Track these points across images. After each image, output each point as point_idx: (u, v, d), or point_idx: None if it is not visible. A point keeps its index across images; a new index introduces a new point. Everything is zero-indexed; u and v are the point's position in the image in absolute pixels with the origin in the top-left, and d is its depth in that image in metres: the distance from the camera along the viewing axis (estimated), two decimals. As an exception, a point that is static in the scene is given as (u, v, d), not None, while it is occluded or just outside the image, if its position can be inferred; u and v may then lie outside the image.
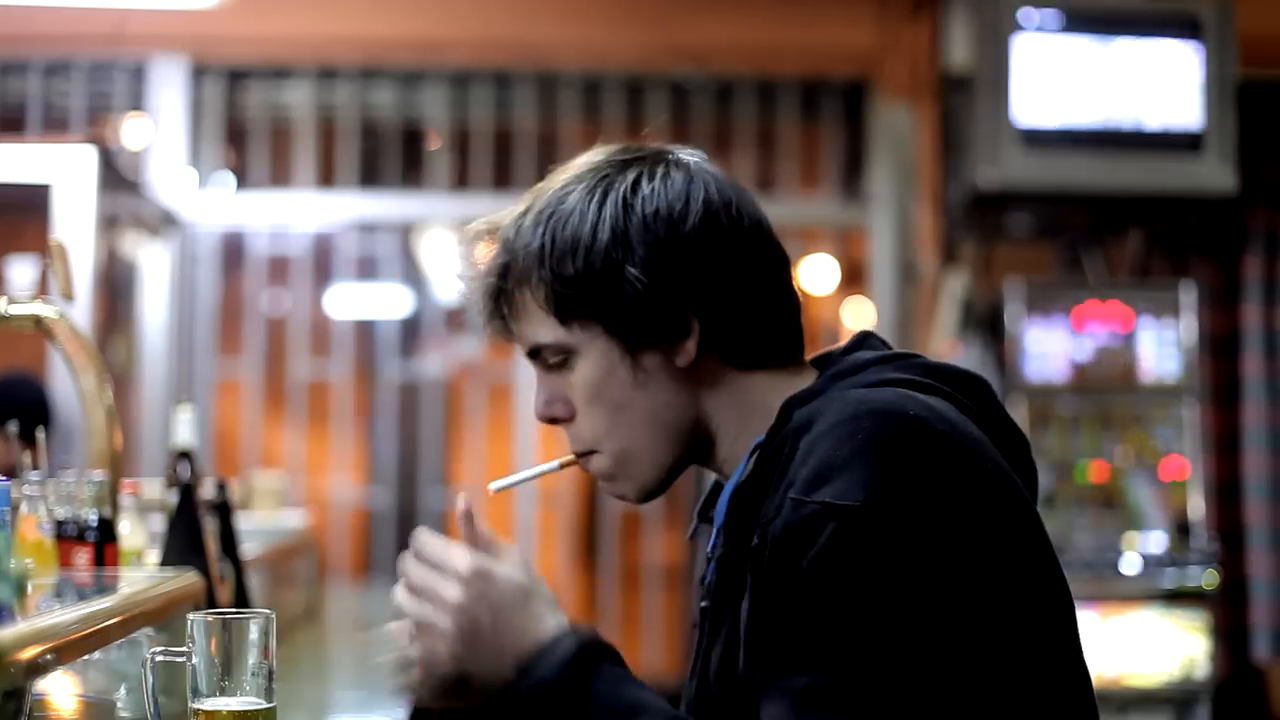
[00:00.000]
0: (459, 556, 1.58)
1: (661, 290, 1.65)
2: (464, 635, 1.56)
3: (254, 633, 1.65)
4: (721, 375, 1.70)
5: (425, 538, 1.60)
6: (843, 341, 1.78)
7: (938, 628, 1.48)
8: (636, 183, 1.68)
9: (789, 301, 1.73)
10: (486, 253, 1.74)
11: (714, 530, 1.72)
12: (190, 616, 1.65)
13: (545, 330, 1.70)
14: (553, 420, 1.75)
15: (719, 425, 1.72)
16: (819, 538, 1.49)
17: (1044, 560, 1.60)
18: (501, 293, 1.72)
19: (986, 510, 1.54)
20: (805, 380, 1.69)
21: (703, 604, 1.75)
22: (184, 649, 1.64)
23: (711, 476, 1.82)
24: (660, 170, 1.69)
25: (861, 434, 1.53)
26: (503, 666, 1.56)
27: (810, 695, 1.47)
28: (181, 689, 1.67)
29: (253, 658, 1.66)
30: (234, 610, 1.70)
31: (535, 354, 1.73)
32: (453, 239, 6.74)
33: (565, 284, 1.67)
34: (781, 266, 1.73)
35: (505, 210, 1.74)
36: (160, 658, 1.66)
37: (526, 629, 1.57)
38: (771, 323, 1.72)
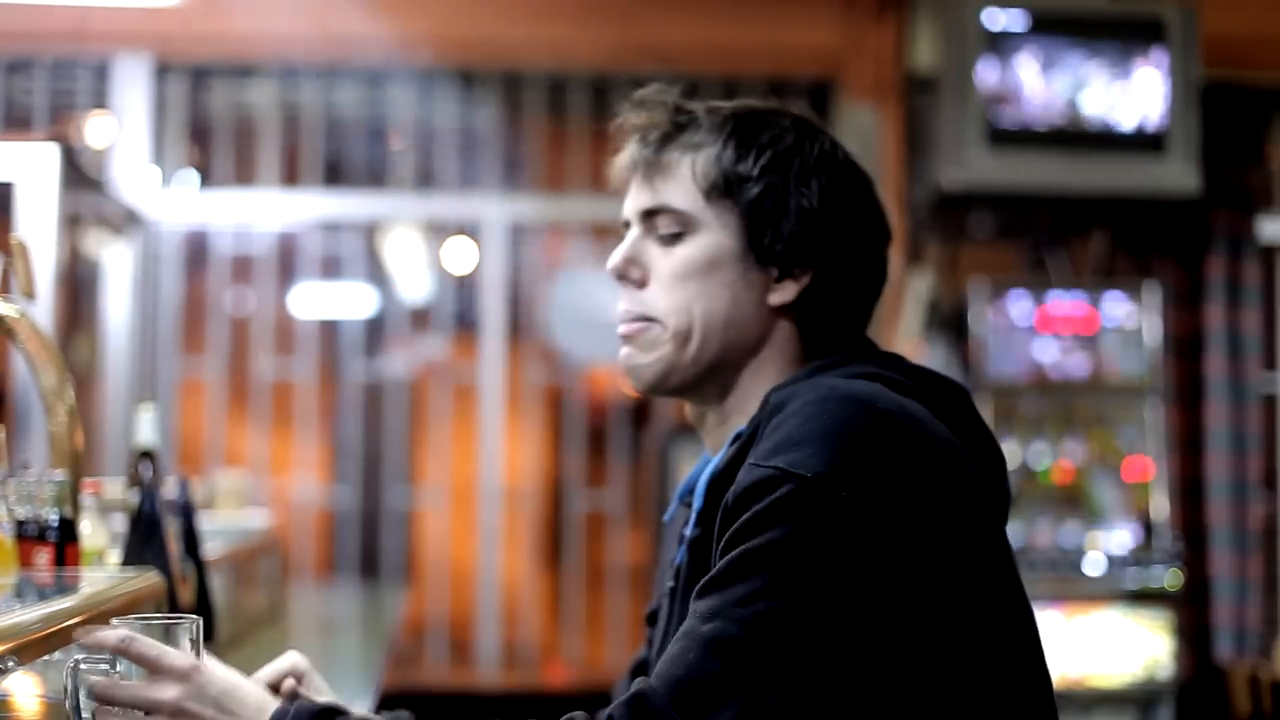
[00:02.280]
0: (173, 655, 1.55)
1: (820, 224, 1.73)
2: None
3: (182, 639, 1.60)
4: (787, 336, 1.76)
5: (127, 637, 1.56)
6: None
7: (860, 613, 1.48)
8: (836, 144, 1.80)
9: (872, 311, 1.82)
10: (665, 110, 1.81)
11: (692, 514, 1.73)
12: (114, 621, 1.61)
13: (683, 196, 1.76)
14: (622, 278, 1.79)
15: (748, 381, 1.76)
16: (768, 496, 1.50)
17: (997, 568, 1.60)
18: (665, 141, 1.78)
19: (940, 510, 1.55)
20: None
21: (670, 584, 1.76)
22: (107, 655, 1.59)
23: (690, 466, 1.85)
24: (851, 157, 1.81)
25: (828, 415, 1.55)
26: None
27: (715, 642, 1.47)
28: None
29: None
30: (161, 615, 1.64)
31: (650, 215, 1.78)
32: (418, 238, 6.73)
33: (738, 168, 1.74)
34: (881, 283, 1.82)
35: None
36: (84, 665, 1.60)
37: (251, 713, 1.57)
38: (857, 320, 1.79)
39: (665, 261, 1.76)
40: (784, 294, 1.74)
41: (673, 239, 1.76)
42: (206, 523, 4.27)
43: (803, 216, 1.72)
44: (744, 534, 1.51)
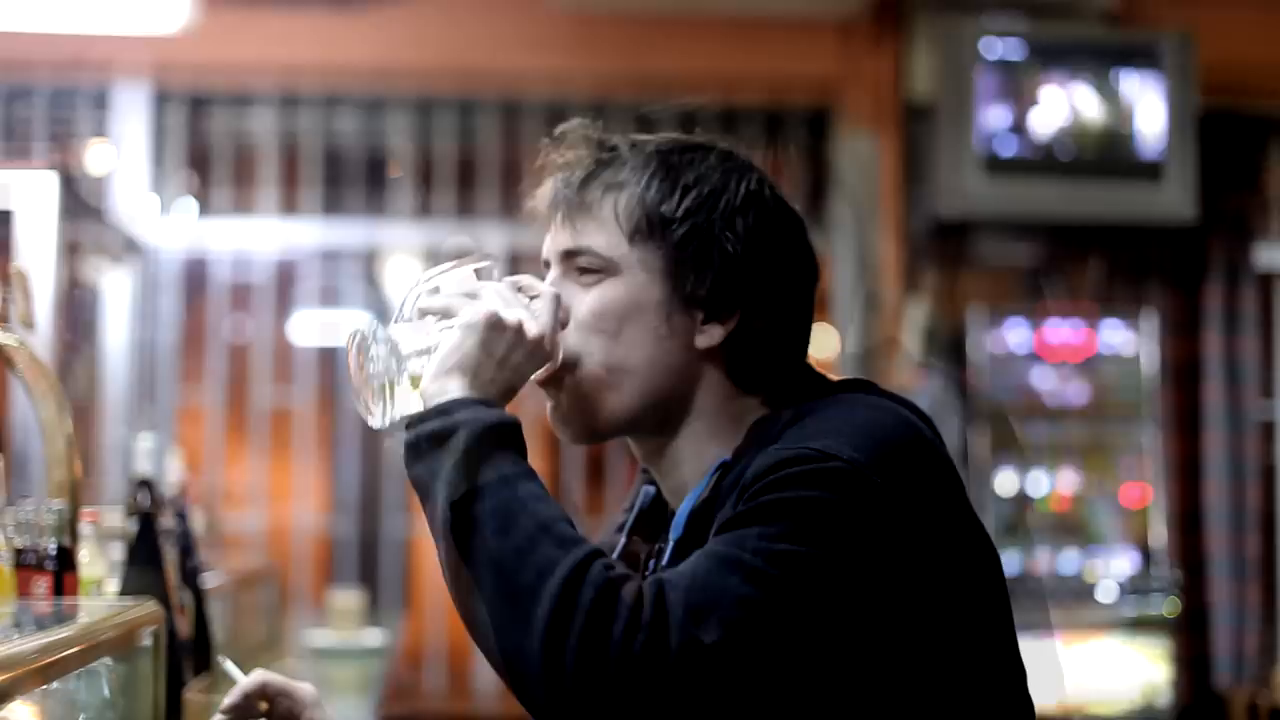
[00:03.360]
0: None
1: (746, 267, 1.68)
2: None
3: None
4: (717, 378, 1.71)
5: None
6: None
7: (868, 595, 1.48)
8: (763, 180, 1.74)
9: (805, 348, 1.76)
10: (588, 146, 1.77)
11: (669, 547, 1.69)
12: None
13: (605, 238, 1.70)
14: None
15: (691, 422, 1.72)
16: (801, 466, 1.50)
17: (995, 590, 1.63)
18: (588, 179, 1.73)
19: (956, 521, 1.58)
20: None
21: None
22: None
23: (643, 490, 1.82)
24: (779, 193, 1.75)
25: (860, 419, 1.57)
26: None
27: (735, 563, 1.47)
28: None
29: None
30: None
31: (570, 256, 1.73)
32: (416, 266, 6.73)
33: (661, 209, 1.69)
34: (810, 321, 1.77)
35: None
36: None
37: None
38: (787, 358, 1.74)
39: (585, 305, 1.70)
40: (710, 337, 1.69)
41: (593, 281, 1.70)
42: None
43: (727, 260, 1.67)
44: (775, 488, 1.50)
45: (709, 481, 1.66)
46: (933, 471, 1.57)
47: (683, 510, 1.68)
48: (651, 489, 1.81)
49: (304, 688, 1.81)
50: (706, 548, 1.51)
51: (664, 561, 1.69)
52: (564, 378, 1.72)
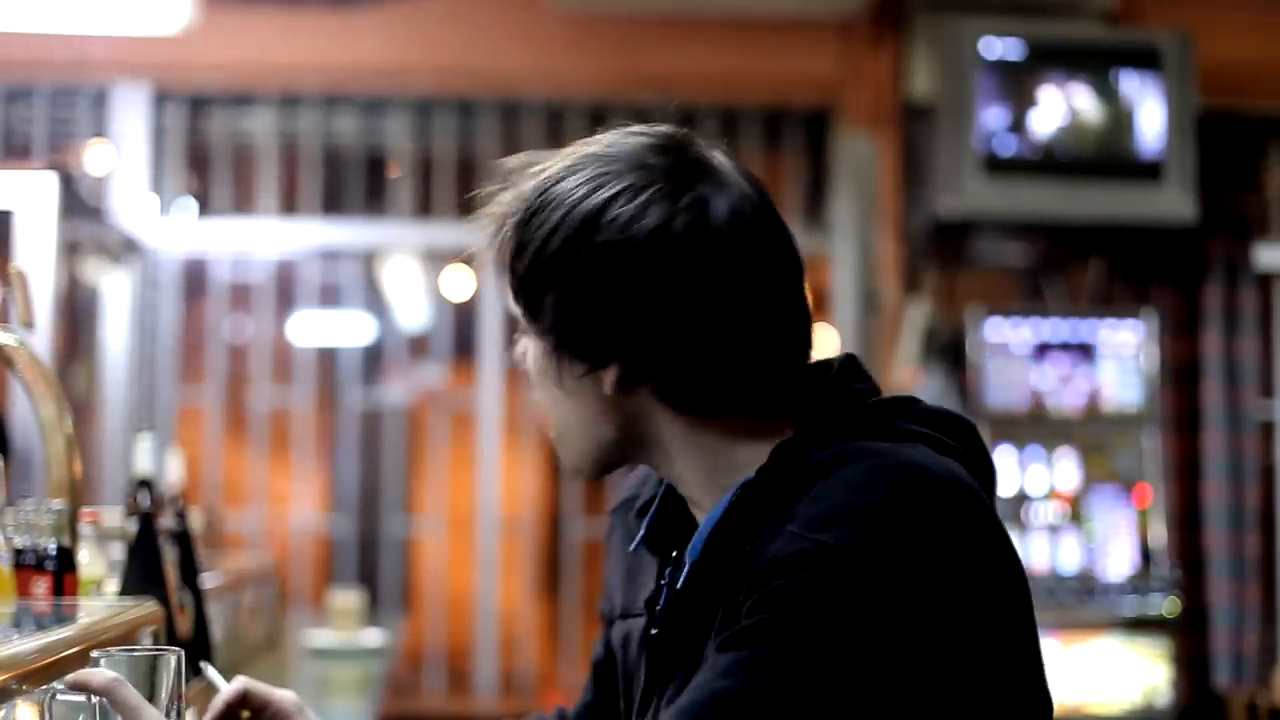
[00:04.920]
0: (150, 715, 1.51)
1: (579, 322, 1.60)
2: None
3: (163, 672, 1.56)
4: (665, 413, 1.62)
5: (115, 680, 1.52)
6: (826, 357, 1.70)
7: (875, 703, 1.43)
8: (612, 200, 1.59)
9: (761, 353, 1.60)
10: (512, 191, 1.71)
11: (686, 566, 1.64)
12: (94, 654, 1.57)
13: (509, 298, 1.68)
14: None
15: (663, 452, 1.65)
16: (803, 572, 1.44)
17: (1024, 651, 1.54)
18: (493, 238, 1.70)
19: (986, 593, 1.48)
20: (775, 430, 1.60)
21: (652, 631, 1.69)
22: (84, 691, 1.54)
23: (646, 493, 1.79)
24: (652, 193, 1.59)
25: (884, 488, 1.47)
26: None
27: (721, 698, 1.43)
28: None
29: (164, 696, 1.57)
30: (145, 649, 1.62)
31: None
32: (416, 266, 6.74)
33: (514, 275, 1.65)
34: (762, 317, 1.60)
35: (534, 167, 1.70)
36: (61, 697, 1.55)
37: None
38: (729, 375, 1.60)
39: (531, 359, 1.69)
40: (608, 384, 1.61)
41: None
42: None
43: (573, 314, 1.60)
44: (778, 600, 1.44)
45: (728, 501, 1.60)
46: (964, 539, 1.48)
47: (700, 533, 1.63)
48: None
49: (286, 695, 1.77)
50: (701, 679, 1.47)
51: (679, 585, 1.65)
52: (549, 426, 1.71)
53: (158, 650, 1.60)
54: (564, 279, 1.60)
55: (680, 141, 1.65)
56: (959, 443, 1.61)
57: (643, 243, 1.57)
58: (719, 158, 1.64)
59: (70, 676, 1.54)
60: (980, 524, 1.50)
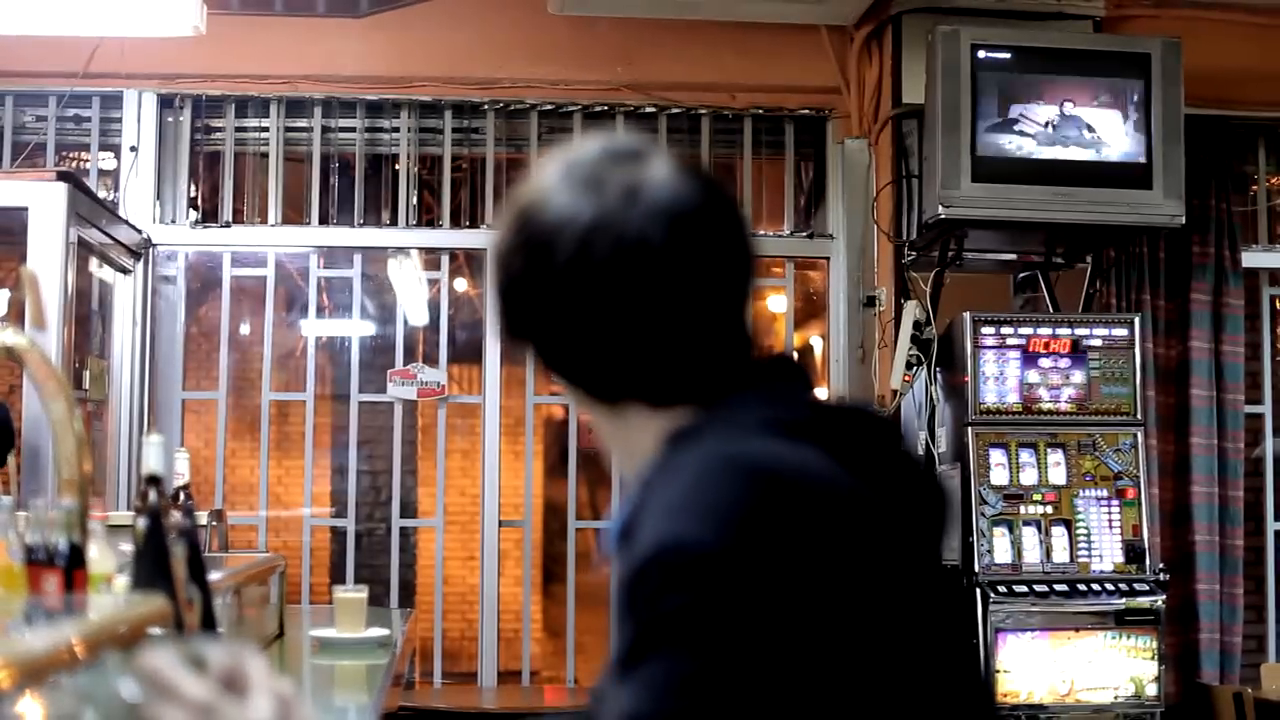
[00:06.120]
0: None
1: (512, 320, 1.67)
2: None
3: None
4: (599, 404, 1.69)
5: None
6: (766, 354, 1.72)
7: (743, 687, 1.41)
8: (539, 205, 1.66)
9: (670, 341, 1.62)
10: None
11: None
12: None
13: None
14: None
15: (619, 447, 1.72)
16: (653, 579, 1.44)
17: (889, 631, 1.52)
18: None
19: (827, 581, 1.46)
20: (679, 416, 1.63)
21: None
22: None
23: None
24: (587, 187, 1.63)
25: (712, 485, 1.48)
26: None
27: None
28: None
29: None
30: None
31: None
32: (420, 267, 6.80)
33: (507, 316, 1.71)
34: (676, 301, 1.61)
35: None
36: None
37: None
38: (629, 361, 1.63)
39: None
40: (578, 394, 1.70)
41: None
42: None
43: (507, 314, 1.68)
44: (645, 604, 1.46)
45: (631, 499, 1.62)
46: (797, 530, 1.46)
47: (613, 529, 1.64)
48: None
49: (283, 685, 1.78)
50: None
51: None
52: None
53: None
54: (511, 283, 1.66)
55: (628, 155, 1.66)
56: (856, 442, 1.60)
57: (553, 239, 1.62)
58: (665, 167, 1.65)
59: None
60: (810, 515, 1.48)
